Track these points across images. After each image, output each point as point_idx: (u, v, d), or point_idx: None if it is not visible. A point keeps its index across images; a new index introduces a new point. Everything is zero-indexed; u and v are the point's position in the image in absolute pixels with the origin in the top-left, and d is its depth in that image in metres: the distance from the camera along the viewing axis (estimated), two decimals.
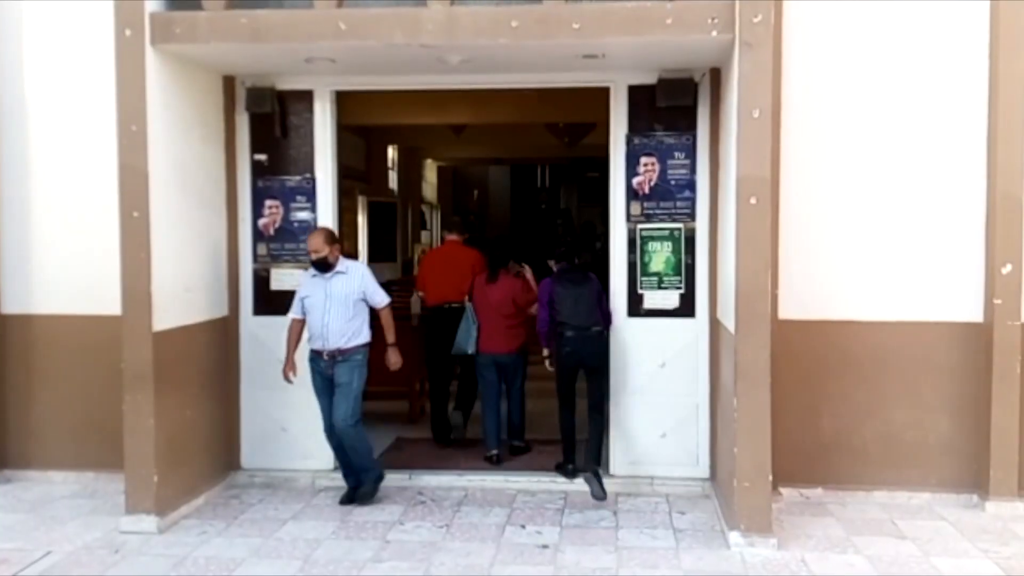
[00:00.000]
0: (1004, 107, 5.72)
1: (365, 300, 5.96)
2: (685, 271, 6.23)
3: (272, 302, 6.45)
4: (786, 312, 5.92)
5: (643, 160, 6.22)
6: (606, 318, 6.20)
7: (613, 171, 6.30)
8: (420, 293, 7.80)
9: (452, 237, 7.77)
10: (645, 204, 6.23)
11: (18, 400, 6.49)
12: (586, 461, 6.13)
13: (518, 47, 5.49)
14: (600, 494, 5.96)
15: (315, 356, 5.91)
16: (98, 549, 5.22)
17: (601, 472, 6.09)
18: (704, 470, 6.25)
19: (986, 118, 5.82)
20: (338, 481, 6.26)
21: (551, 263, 6.55)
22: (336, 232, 6.17)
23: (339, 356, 5.84)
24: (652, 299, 6.26)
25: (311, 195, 6.48)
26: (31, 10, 6.32)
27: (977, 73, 5.82)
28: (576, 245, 7.24)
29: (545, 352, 6.52)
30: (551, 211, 23.36)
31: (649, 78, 6.13)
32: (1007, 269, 5.73)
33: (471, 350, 6.89)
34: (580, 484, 6.16)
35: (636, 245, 6.25)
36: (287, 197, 6.50)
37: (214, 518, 5.75)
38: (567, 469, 6.32)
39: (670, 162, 6.21)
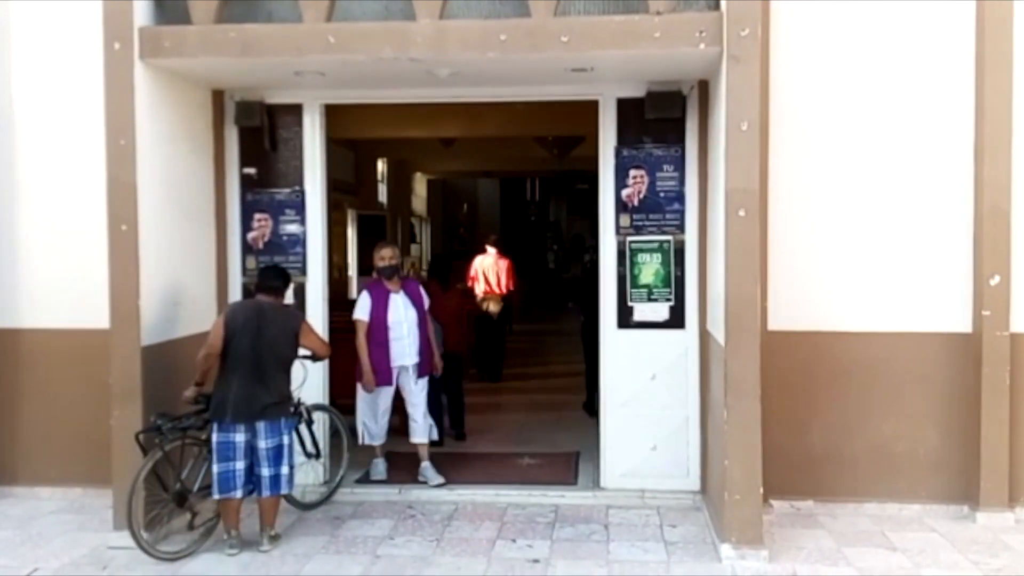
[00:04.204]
0: (991, 120, 5.76)
1: None
2: (675, 283, 6.24)
3: None
4: (775, 323, 5.93)
5: (632, 172, 6.24)
6: None
7: (602, 183, 6.31)
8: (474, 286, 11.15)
9: (491, 249, 11.39)
10: (634, 216, 6.25)
11: (4, 415, 6.44)
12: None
13: (507, 60, 5.51)
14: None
15: None
16: (85, 566, 5.17)
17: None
18: (695, 482, 6.24)
19: (973, 131, 5.85)
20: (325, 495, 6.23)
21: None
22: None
23: None
24: (642, 311, 6.27)
25: (300, 208, 6.48)
26: (19, 23, 6.30)
27: (964, 86, 5.86)
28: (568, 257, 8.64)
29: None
30: (541, 223, 23.44)
31: (638, 91, 6.15)
32: (995, 280, 5.76)
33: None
34: (571, 498, 6.21)
35: (626, 257, 6.26)
36: (276, 210, 6.50)
37: None
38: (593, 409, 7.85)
39: (659, 174, 6.23)
